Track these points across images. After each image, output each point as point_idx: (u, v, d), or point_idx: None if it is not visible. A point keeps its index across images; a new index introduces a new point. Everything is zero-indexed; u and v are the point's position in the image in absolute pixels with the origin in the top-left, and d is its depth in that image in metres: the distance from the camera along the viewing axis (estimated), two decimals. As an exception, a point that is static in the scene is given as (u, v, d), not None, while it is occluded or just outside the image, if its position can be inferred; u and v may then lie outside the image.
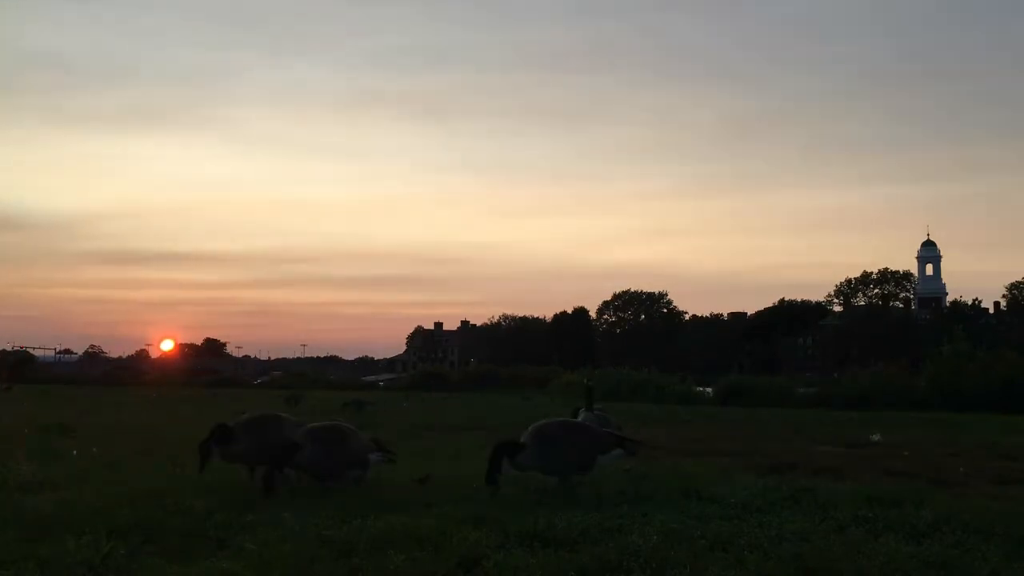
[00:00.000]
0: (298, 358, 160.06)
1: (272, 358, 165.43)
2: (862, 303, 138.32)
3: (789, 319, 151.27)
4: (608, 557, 6.46)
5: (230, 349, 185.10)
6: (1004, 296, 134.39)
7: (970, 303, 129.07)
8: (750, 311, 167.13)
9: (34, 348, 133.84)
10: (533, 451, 7.48)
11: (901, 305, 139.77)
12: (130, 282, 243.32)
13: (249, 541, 6.93)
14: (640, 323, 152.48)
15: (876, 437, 17.41)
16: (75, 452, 13.10)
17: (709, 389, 43.01)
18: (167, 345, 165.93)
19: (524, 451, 7.53)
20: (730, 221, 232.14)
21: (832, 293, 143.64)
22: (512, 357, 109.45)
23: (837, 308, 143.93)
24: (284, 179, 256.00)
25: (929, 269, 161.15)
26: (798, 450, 15.24)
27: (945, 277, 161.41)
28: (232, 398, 39.45)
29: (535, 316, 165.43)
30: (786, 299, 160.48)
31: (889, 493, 9.26)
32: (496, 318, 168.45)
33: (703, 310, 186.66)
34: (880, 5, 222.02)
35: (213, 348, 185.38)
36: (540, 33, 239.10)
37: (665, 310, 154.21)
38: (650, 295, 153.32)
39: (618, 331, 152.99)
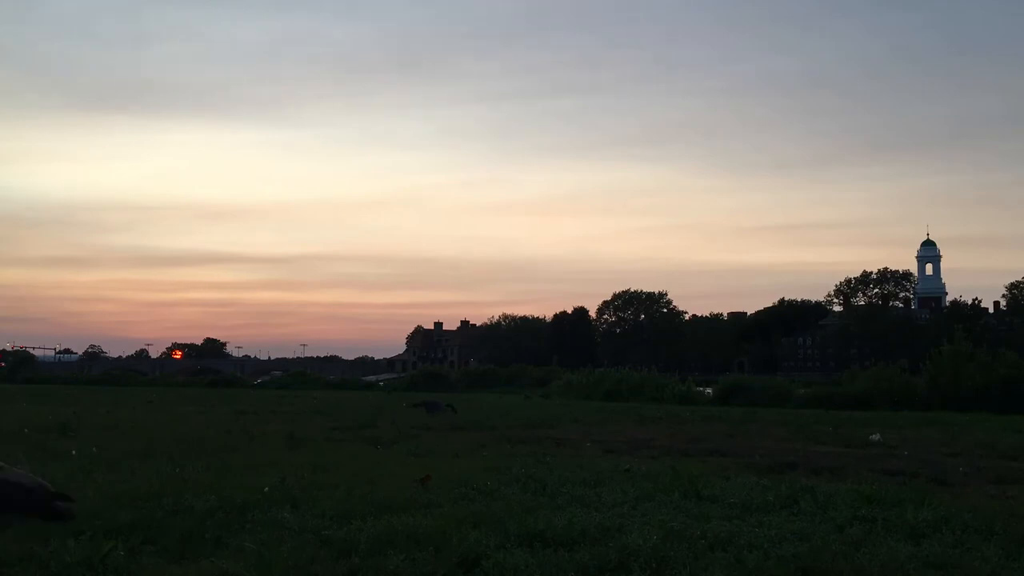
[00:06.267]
0: (298, 358, 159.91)
1: (272, 358, 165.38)
2: (862, 303, 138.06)
3: (789, 319, 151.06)
4: (608, 557, 6.46)
5: (230, 349, 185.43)
6: (1004, 296, 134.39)
7: (970, 303, 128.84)
8: (750, 311, 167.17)
9: (34, 348, 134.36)
10: None
11: (901, 305, 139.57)
12: (131, 282, 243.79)
13: (249, 541, 6.93)
14: (640, 323, 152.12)
15: (876, 437, 17.40)
16: (75, 452, 13.10)
17: (709, 389, 42.97)
18: (167, 346, 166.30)
19: None
20: (731, 220, 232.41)
21: (832, 293, 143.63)
22: (512, 357, 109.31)
23: (837, 308, 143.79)
24: (285, 179, 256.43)
25: (929, 269, 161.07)
26: (798, 450, 15.23)
27: (945, 277, 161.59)
28: (229, 398, 39.46)
29: (535, 316, 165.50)
30: (786, 299, 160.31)
31: (889, 493, 9.26)
32: (496, 318, 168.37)
33: (703, 310, 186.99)
34: (880, 4, 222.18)
35: (213, 348, 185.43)
36: (540, 31, 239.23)
37: (665, 310, 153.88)
38: (650, 295, 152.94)
39: (618, 331, 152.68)
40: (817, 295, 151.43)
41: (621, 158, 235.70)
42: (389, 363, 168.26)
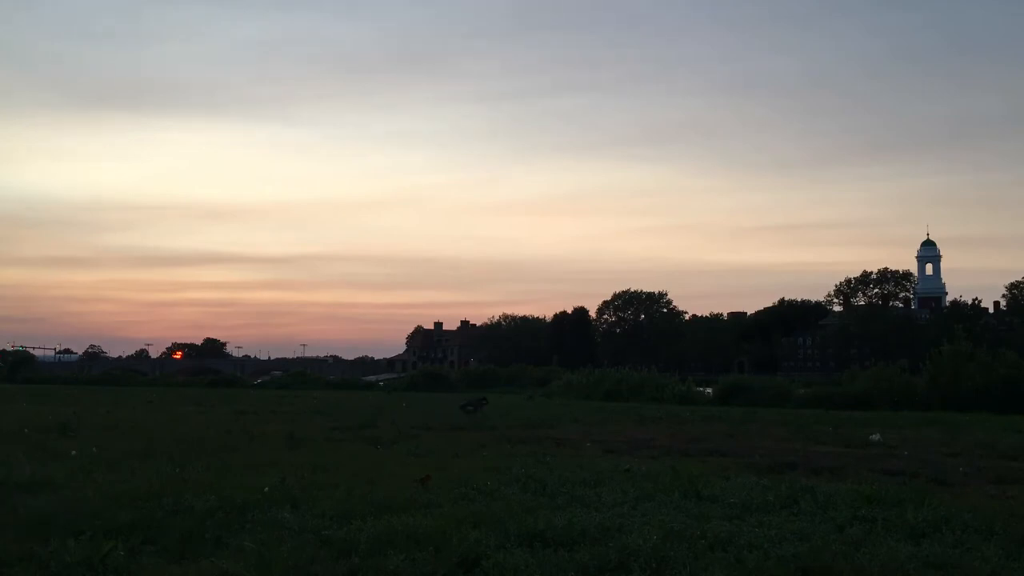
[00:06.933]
0: (298, 358, 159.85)
1: (272, 358, 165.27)
2: (862, 303, 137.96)
3: (789, 319, 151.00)
4: (608, 557, 6.46)
5: (230, 349, 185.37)
6: (1004, 296, 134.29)
7: (970, 303, 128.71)
8: (750, 311, 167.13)
9: (34, 348, 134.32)
10: None
11: (901, 305, 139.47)
12: (131, 282, 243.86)
13: (249, 541, 6.93)
14: (640, 323, 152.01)
15: (876, 437, 17.40)
16: (75, 452, 13.10)
17: (709, 389, 42.94)
18: (167, 346, 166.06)
19: None
20: (731, 220, 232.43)
21: (832, 293, 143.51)
22: (512, 357, 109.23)
23: (837, 308, 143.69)
24: (285, 179, 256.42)
25: (929, 269, 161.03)
26: (798, 450, 15.23)
27: (945, 277, 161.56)
28: (229, 398, 39.45)
29: (535, 316, 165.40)
30: (786, 299, 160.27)
31: (889, 493, 9.26)
32: (496, 318, 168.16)
33: (703, 310, 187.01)
34: (880, 4, 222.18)
35: (213, 348, 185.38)
36: (536, 39, 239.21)
37: (665, 310, 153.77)
38: (650, 295, 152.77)
39: (618, 331, 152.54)
40: (817, 295, 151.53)
41: (621, 158, 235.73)
42: (389, 363, 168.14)
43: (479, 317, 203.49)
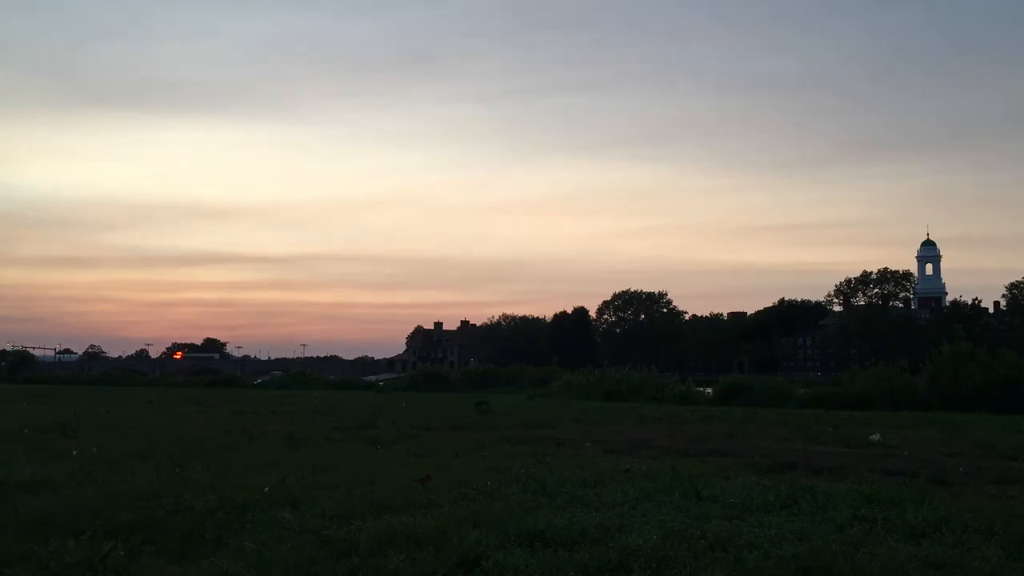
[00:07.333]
0: (298, 358, 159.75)
1: (272, 358, 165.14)
2: (862, 303, 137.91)
3: (789, 319, 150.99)
4: (608, 557, 6.46)
5: (230, 349, 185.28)
6: (1004, 296, 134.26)
7: (970, 303, 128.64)
8: (750, 311, 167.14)
9: (34, 348, 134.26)
10: None
11: (901, 305, 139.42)
12: (131, 282, 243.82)
13: (249, 541, 6.93)
14: (640, 323, 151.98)
15: (876, 437, 17.40)
16: (75, 452, 13.10)
17: (709, 389, 42.94)
18: (167, 346, 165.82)
19: None
20: (731, 220, 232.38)
21: (832, 293, 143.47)
22: (512, 357, 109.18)
23: (837, 308, 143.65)
24: (285, 179, 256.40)
25: (929, 269, 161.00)
26: (798, 450, 15.23)
27: (945, 277, 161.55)
28: (229, 398, 39.45)
29: (535, 316, 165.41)
30: (786, 299, 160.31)
31: (889, 493, 9.26)
32: (496, 318, 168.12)
33: (703, 310, 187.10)
34: (880, 4, 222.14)
35: (213, 348, 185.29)
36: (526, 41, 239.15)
37: (665, 310, 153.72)
38: (650, 295, 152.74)
39: (618, 331, 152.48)
40: (817, 295, 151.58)
41: (621, 158, 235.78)
42: (389, 363, 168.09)
43: (479, 317, 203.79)
